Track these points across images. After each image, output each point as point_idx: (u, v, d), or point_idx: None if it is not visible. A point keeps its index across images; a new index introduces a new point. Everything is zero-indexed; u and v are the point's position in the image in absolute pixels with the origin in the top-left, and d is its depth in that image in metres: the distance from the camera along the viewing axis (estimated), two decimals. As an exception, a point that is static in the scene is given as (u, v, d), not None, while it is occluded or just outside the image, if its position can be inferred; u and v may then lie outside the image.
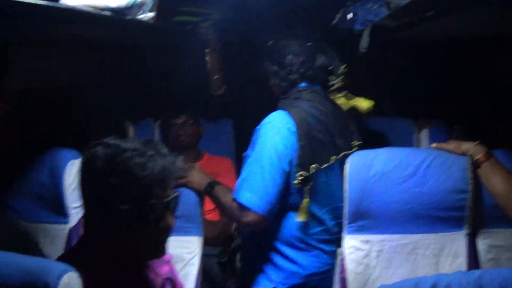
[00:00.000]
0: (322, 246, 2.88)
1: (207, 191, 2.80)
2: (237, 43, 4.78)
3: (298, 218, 2.76)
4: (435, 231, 2.70)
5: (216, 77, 4.39)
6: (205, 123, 4.21)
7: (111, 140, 1.87)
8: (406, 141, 3.95)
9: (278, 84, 2.99)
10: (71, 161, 2.91)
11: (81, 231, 2.88)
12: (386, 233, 2.70)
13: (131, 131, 4.08)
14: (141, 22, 2.47)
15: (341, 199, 2.74)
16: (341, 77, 3.02)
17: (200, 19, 3.98)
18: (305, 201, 2.74)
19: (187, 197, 2.80)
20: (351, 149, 2.86)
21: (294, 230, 2.82)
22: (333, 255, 2.83)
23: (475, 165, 2.63)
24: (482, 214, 2.70)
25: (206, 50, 4.47)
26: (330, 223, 2.90)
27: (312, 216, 2.82)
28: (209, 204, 3.07)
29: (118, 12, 2.18)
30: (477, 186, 2.66)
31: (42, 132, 3.51)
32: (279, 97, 2.97)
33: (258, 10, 4.15)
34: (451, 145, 2.72)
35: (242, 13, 4.18)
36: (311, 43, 3.01)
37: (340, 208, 2.77)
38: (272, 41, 3.07)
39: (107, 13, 2.08)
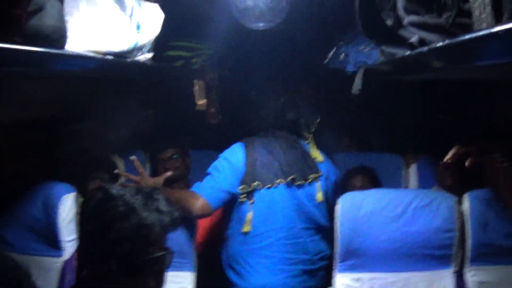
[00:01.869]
0: (263, 261, 3.06)
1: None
2: (229, 77, 4.81)
3: (243, 229, 3.06)
4: (424, 269, 2.77)
5: (212, 110, 4.45)
6: (193, 155, 4.20)
7: (115, 188, 1.83)
8: (395, 176, 3.99)
9: (252, 127, 3.36)
10: (65, 195, 2.90)
11: (74, 264, 2.91)
12: (376, 271, 2.76)
13: (121, 164, 4.07)
14: (139, 63, 2.52)
15: (293, 220, 3.05)
16: (310, 127, 3.35)
17: (192, 54, 4.01)
18: (249, 214, 3.05)
19: (181, 232, 2.84)
20: (306, 179, 3.15)
21: (239, 245, 3.10)
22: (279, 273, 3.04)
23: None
24: (470, 252, 2.74)
25: (194, 81, 4.50)
26: (276, 241, 3.06)
27: (255, 231, 3.06)
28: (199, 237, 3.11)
29: (120, 55, 2.22)
30: (463, 225, 2.73)
31: (34, 165, 3.51)
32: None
33: (250, 46, 4.19)
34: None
35: (234, 48, 4.22)
36: (284, 99, 3.35)
37: (292, 228, 3.05)
38: (253, 93, 3.35)
39: (109, 57, 2.12)
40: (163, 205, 1.83)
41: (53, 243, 2.89)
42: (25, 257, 2.83)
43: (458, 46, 1.45)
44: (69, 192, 2.93)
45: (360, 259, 2.75)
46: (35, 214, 2.89)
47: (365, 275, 2.76)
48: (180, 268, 2.84)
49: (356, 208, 2.75)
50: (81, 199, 3.40)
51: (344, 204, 2.76)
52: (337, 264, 2.78)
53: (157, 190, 1.90)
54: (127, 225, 1.73)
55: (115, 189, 1.82)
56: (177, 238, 2.83)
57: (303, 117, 3.34)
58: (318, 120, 3.32)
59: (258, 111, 3.35)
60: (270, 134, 3.32)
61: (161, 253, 1.81)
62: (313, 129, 3.33)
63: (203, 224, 3.58)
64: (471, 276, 2.76)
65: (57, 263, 2.89)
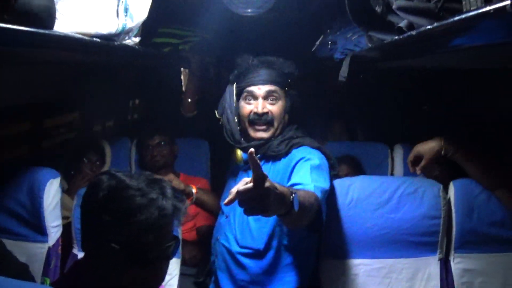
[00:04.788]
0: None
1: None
2: (215, 65, 4.81)
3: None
4: (409, 256, 2.79)
5: (189, 100, 4.42)
6: (180, 143, 4.20)
7: (118, 172, 1.81)
8: (381, 165, 4.00)
9: None
10: (50, 180, 2.88)
11: (59, 250, 2.90)
12: (362, 258, 2.78)
13: (108, 151, 4.07)
14: (127, 46, 2.50)
15: None
16: None
17: (179, 41, 4.00)
18: None
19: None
20: None
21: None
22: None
23: (451, 156, 2.73)
24: (455, 239, 2.77)
25: (182, 70, 4.49)
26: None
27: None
28: (186, 224, 3.10)
29: (107, 38, 2.21)
30: (449, 213, 2.76)
31: (20, 150, 3.50)
32: None
33: (238, 33, 4.19)
34: (423, 148, 2.81)
35: (221, 35, 4.21)
36: None
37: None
38: None
39: (96, 39, 2.11)
40: (172, 192, 1.83)
41: (38, 229, 2.88)
42: (10, 242, 2.78)
43: (447, 29, 1.46)
44: (54, 177, 2.91)
45: (346, 245, 2.77)
46: (21, 199, 2.87)
47: (351, 261, 2.78)
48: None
49: (342, 194, 2.77)
50: (66, 186, 3.42)
51: (331, 190, 2.76)
52: (323, 250, 2.79)
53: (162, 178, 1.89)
54: (146, 217, 1.72)
55: (124, 176, 1.80)
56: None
57: None
58: None
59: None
60: None
61: (173, 242, 1.84)
62: None
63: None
64: (456, 263, 2.79)
65: (42, 248, 2.88)
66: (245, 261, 2.79)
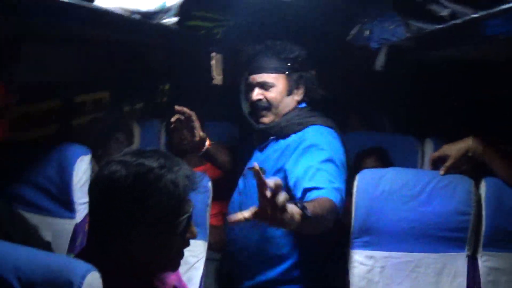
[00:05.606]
0: None
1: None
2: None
3: None
4: (437, 251, 2.75)
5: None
6: (211, 127, 4.19)
7: (127, 158, 1.77)
8: (411, 159, 3.96)
9: None
10: (80, 157, 2.89)
11: (86, 227, 2.90)
12: (390, 250, 2.76)
13: (137, 132, 4.08)
14: (165, 26, 2.50)
15: None
16: None
17: (213, 25, 3.99)
18: None
19: (195, 201, 2.82)
20: None
21: None
22: None
23: (479, 157, 2.69)
24: (484, 237, 2.73)
25: (212, 54, 4.49)
26: None
27: None
28: (213, 208, 3.09)
29: (146, 16, 2.21)
30: (479, 209, 2.72)
31: (51, 127, 3.52)
32: None
33: (272, 20, 4.17)
34: (450, 149, 2.77)
35: (255, 21, 4.19)
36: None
37: None
38: None
39: (136, 16, 2.10)
40: (180, 160, 1.83)
41: (66, 205, 2.90)
42: (37, 217, 2.83)
43: (491, 17, 1.43)
44: (84, 154, 2.92)
45: (375, 237, 2.74)
46: (50, 175, 2.89)
47: (379, 254, 2.75)
48: (193, 235, 2.83)
49: (373, 186, 2.74)
50: (95, 166, 3.43)
51: (362, 181, 2.75)
52: (351, 241, 2.77)
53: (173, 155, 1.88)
54: (180, 188, 1.74)
55: (136, 159, 1.76)
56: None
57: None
58: None
59: None
60: None
61: (193, 208, 1.84)
62: None
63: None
64: (484, 261, 2.75)
65: (69, 224, 2.90)
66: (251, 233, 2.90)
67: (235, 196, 3.07)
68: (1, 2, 1.30)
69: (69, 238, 2.88)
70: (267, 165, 2.86)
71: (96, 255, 1.73)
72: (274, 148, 2.89)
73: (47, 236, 2.74)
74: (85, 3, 1.65)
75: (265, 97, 2.88)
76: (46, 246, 2.59)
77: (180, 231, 1.79)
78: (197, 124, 2.99)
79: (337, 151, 2.69)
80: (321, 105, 2.99)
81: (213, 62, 4.63)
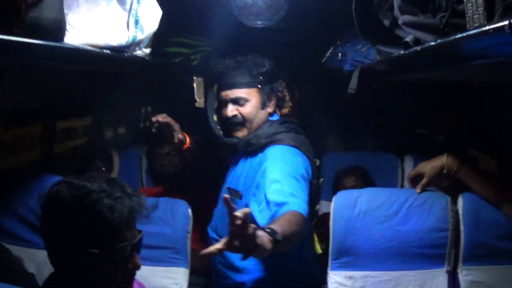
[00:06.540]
0: None
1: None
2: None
3: None
4: (417, 268, 2.77)
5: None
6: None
7: (75, 179, 1.81)
8: (391, 176, 4.00)
9: None
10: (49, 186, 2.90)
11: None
12: (369, 270, 2.77)
13: (116, 159, 4.09)
14: (137, 58, 2.53)
15: None
16: None
17: (191, 51, 4.02)
18: None
19: (175, 229, 2.85)
20: None
21: None
22: None
23: (454, 174, 2.70)
24: (463, 251, 2.75)
25: (194, 78, 4.51)
26: None
27: None
28: (195, 233, 3.10)
29: (117, 50, 2.23)
30: (457, 225, 2.74)
31: (31, 156, 3.53)
32: None
33: (249, 43, 4.20)
34: (425, 167, 2.78)
35: (232, 45, 4.23)
36: None
37: None
38: None
39: (107, 51, 2.13)
40: (131, 189, 1.85)
41: (48, 236, 2.88)
42: (20, 248, 2.82)
43: (451, 45, 1.47)
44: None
45: (353, 257, 2.76)
46: (32, 206, 2.88)
47: (358, 273, 2.76)
48: (174, 263, 2.84)
49: (350, 207, 2.77)
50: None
51: (338, 202, 2.78)
52: (330, 262, 2.79)
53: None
54: (117, 215, 1.74)
55: (82, 181, 1.79)
56: (171, 234, 2.86)
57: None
58: None
59: None
60: None
61: (140, 235, 1.86)
62: None
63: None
64: (464, 275, 2.76)
65: (51, 256, 2.88)
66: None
67: (215, 209, 3.18)
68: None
69: (52, 269, 2.87)
70: (242, 181, 2.94)
71: (54, 281, 1.84)
72: (246, 163, 2.96)
73: (31, 267, 2.73)
74: (53, 43, 1.68)
75: (240, 113, 2.93)
76: (30, 278, 2.59)
77: (119, 259, 1.79)
78: (175, 127, 3.06)
79: (296, 167, 2.73)
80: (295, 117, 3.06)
81: (194, 85, 4.62)
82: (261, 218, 2.56)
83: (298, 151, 2.83)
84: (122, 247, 1.78)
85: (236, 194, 2.92)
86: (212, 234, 3.10)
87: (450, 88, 3.51)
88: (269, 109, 3.01)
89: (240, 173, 3.00)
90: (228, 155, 3.20)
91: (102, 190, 1.76)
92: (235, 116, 2.93)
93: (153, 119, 3.02)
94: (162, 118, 3.04)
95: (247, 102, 2.93)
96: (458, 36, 1.37)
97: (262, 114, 2.98)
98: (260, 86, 2.96)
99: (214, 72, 3.06)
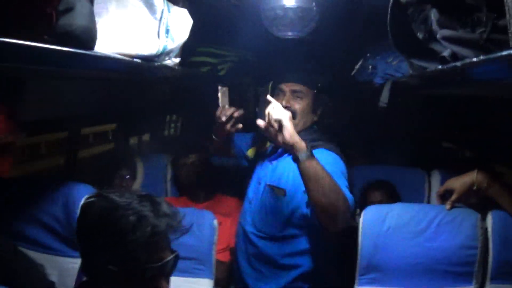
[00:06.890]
0: None
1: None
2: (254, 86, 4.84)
3: None
4: (445, 286, 2.72)
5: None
6: (216, 161, 4.18)
7: (110, 193, 1.81)
8: (418, 191, 3.95)
9: None
10: (86, 196, 2.90)
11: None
12: (397, 286, 2.73)
13: (140, 167, 4.09)
14: (166, 67, 2.52)
15: None
16: None
17: (218, 61, 4.02)
18: None
19: (201, 239, 2.83)
20: None
21: None
22: None
23: (483, 191, 2.66)
24: (491, 270, 2.70)
25: (219, 87, 4.50)
26: None
27: None
28: (220, 244, 3.09)
29: (148, 59, 2.22)
30: (486, 243, 2.69)
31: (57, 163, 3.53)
32: None
33: (277, 55, 4.19)
34: (455, 183, 2.74)
35: (260, 56, 4.23)
36: None
37: None
38: None
39: (137, 60, 2.12)
40: (167, 208, 1.82)
41: (72, 244, 2.87)
42: (43, 256, 2.83)
43: (494, 62, 1.43)
44: (89, 193, 2.92)
45: (381, 273, 2.72)
46: (55, 213, 2.89)
47: (386, 290, 2.73)
48: (198, 274, 2.84)
49: (379, 222, 2.73)
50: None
51: (367, 217, 2.75)
52: (357, 278, 2.75)
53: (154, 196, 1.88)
54: (138, 235, 1.71)
55: (115, 195, 1.79)
56: (196, 245, 2.85)
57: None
58: None
59: None
60: None
61: (172, 257, 1.82)
62: None
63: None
64: (492, 293, 2.72)
65: (75, 263, 2.87)
66: (256, 240, 3.07)
67: (246, 204, 3.25)
68: (3, 51, 1.31)
69: (75, 277, 2.86)
70: (287, 179, 2.98)
71: None
72: (291, 163, 2.84)
73: (53, 275, 2.73)
74: (83, 51, 1.66)
75: (293, 107, 3.03)
76: (51, 286, 2.59)
77: (137, 280, 1.75)
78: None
79: (342, 169, 2.87)
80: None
81: (219, 94, 4.61)
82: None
83: (339, 157, 2.92)
84: (143, 268, 1.74)
85: (279, 191, 2.99)
86: (250, 228, 3.13)
87: (477, 101, 3.46)
88: (315, 117, 3.13)
89: (282, 171, 3.04)
90: (261, 153, 3.32)
91: (129, 208, 1.75)
92: (288, 107, 2.99)
93: (227, 113, 3.12)
94: (237, 113, 3.12)
95: (303, 98, 3.07)
96: (505, 53, 1.32)
97: (309, 118, 3.11)
98: (315, 91, 3.10)
99: (279, 64, 3.33)
